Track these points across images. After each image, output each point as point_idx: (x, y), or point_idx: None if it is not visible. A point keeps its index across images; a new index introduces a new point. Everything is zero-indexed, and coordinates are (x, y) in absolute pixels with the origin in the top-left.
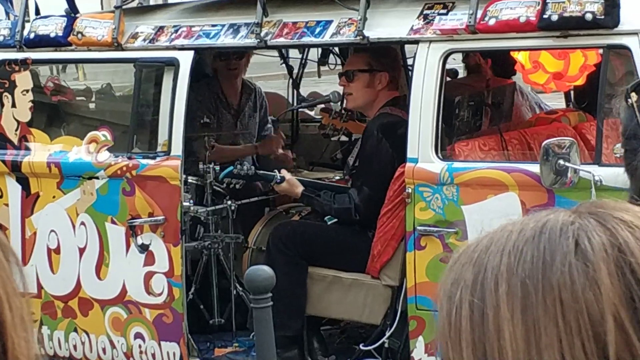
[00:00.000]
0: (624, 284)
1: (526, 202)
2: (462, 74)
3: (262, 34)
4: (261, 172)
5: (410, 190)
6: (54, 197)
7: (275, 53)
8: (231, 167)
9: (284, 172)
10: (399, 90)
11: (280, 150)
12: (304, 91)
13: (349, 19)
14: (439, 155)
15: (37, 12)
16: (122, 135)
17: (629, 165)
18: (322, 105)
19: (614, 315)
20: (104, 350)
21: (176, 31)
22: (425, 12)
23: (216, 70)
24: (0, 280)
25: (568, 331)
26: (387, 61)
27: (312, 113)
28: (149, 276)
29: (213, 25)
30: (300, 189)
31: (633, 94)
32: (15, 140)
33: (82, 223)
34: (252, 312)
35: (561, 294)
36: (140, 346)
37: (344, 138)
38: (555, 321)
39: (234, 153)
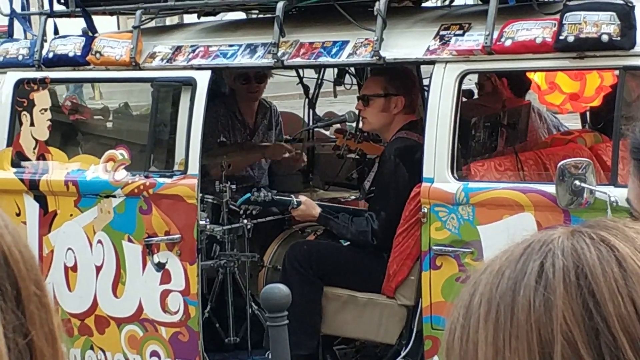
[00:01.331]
0: (581, 306)
1: (542, 222)
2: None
3: (279, 54)
4: (278, 197)
5: (426, 210)
6: (71, 215)
7: (292, 73)
8: (248, 194)
9: (300, 197)
10: (415, 114)
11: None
12: (320, 111)
13: (366, 39)
14: (455, 175)
15: (56, 31)
16: (139, 154)
17: None
18: (338, 126)
19: (566, 337)
20: None
21: (193, 51)
22: (442, 32)
23: (233, 89)
24: (37, 297)
25: (522, 352)
26: (404, 85)
27: (327, 133)
28: (165, 294)
29: (230, 45)
30: (317, 210)
31: None
32: (33, 158)
33: (99, 241)
34: (268, 331)
35: (519, 316)
36: None
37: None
38: (517, 343)
39: (245, 161)
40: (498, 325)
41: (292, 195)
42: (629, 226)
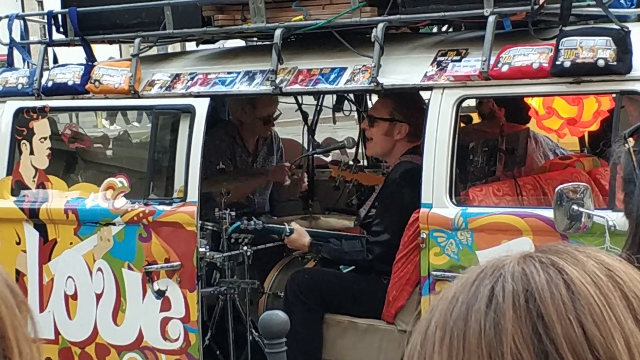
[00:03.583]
0: (530, 329)
1: None
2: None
3: (277, 81)
4: (270, 225)
5: (424, 236)
6: (71, 243)
7: (291, 99)
8: (238, 223)
9: (293, 224)
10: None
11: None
12: (320, 137)
13: (363, 65)
14: (453, 200)
15: (55, 60)
16: (138, 181)
17: (626, 209)
18: (334, 157)
19: (516, 359)
20: None
21: (192, 78)
22: (439, 58)
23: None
24: (12, 326)
25: None
26: (410, 112)
27: (327, 159)
28: (165, 322)
29: (229, 73)
30: (307, 239)
31: (630, 139)
32: (33, 187)
33: (99, 269)
34: (267, 358)
35: (471, 340)
36: None
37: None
38: None
39: (249, 186)
40: (452, 350)
41: (284, 223)
42: (579, 250)
